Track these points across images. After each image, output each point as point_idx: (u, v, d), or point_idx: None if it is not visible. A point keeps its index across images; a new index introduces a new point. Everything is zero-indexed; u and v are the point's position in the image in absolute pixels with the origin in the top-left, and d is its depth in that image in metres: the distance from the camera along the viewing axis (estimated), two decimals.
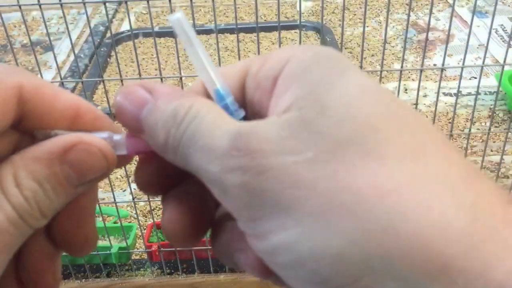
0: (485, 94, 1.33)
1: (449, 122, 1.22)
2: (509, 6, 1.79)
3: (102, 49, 1.59)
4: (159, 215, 0.99)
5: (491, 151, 1.13)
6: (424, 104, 1.29)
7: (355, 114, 0.20)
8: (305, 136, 0.20)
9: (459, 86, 0.65)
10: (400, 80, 0.62)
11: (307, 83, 0.21)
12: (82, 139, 0.23)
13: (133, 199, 0.77)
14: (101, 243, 0.84)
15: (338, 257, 0.19)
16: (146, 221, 0.98)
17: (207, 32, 1.70)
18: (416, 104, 0.66)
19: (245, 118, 0.24)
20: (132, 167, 1.16)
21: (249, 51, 1.58)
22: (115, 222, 0.88)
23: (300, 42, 0.53)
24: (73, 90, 1.41)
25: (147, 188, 0.26)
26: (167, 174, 0.25)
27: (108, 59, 1.58)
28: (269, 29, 1.70)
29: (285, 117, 0.21)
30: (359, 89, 0.21)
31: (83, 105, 0.24)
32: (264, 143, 0.20)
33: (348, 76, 0.22)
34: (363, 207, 0.19)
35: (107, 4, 0.60)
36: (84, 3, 0.58)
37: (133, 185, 1.08)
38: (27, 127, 0.24)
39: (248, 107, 0.24)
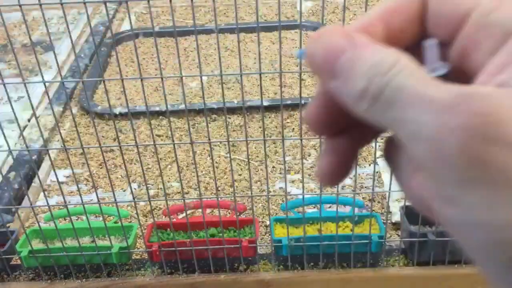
0: None
1: None
2: None
3: (102, 49, 1.59)
4: (159, 215, 0.99)
5: None
6: None
7: None
8: None
9: None
10: None
11: None
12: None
13: (134, 199, 0.77)
14: (101, 242, 0.84)
15: None
16: (146, 221, 0.98)
17: (207, 32, 1.70)
18: None
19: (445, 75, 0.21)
20: (133, 167, 1.15)
21: (250, 51, 1.58)
22: (115, 222, 0.88)
23: (300, 42, 0.53)
24: (73, 90, 1.41)
25: (314, 124, 0.24)
26: (334, 121, 0.24)
27: (109, 59, 1.58)
28: (269, 29, 1.70)
29: None
30: None
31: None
32: (505, 112, 0.17)
33: None
34: None
35: (107, 4, 0.60)
36: (85, 3, 0.58)
37: (134, 185, 1.08)
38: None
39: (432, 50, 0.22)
